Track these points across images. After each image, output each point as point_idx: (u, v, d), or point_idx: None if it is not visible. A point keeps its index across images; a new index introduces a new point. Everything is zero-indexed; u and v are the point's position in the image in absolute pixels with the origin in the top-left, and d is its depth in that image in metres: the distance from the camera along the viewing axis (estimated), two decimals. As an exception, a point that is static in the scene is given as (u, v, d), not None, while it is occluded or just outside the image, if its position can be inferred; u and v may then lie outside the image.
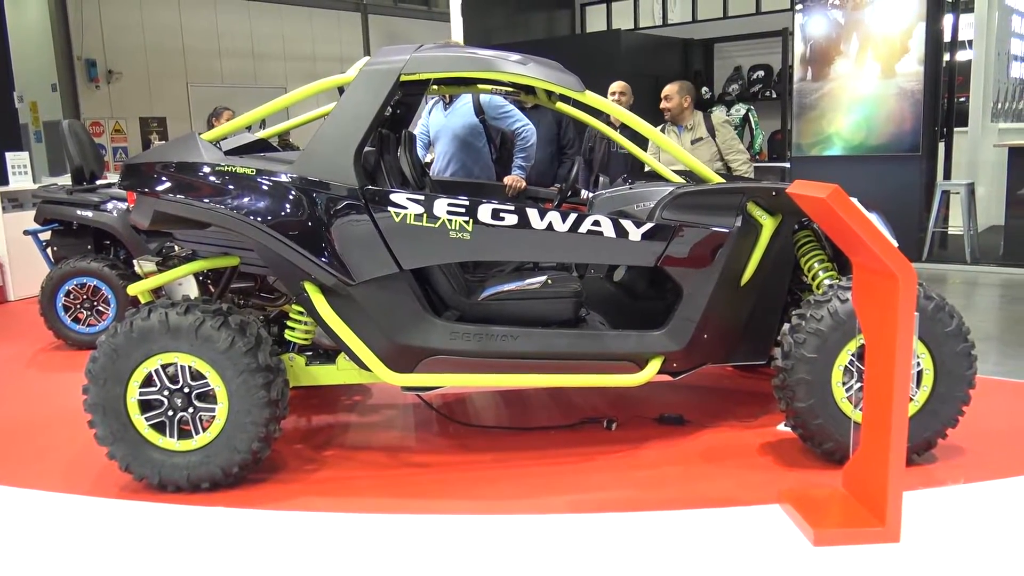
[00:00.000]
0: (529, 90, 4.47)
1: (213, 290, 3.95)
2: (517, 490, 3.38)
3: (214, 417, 3.33)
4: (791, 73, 9.50)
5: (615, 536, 2.95)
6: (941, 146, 9.11)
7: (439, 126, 5.76)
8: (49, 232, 6.27)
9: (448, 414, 4.18)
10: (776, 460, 3.56)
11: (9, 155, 8.73)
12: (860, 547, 2.76)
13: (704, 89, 11.50)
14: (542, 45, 10.99)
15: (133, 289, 3.72)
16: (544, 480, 3.47)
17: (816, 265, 3.82)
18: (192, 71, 16.28)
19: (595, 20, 12.90)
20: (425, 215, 3.34)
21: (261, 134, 4.24)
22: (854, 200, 2.71)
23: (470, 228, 3.35)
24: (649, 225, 3.46)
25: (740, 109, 10.81)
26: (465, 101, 5.63)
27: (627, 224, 3.43)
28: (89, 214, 5.97)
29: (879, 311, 2.79)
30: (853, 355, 3.33)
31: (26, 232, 6.26)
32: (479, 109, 5.57)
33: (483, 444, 3.87)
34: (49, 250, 6.28)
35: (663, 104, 5.91)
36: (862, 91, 8.76)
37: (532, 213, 3.37)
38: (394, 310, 3.41)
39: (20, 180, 8.55)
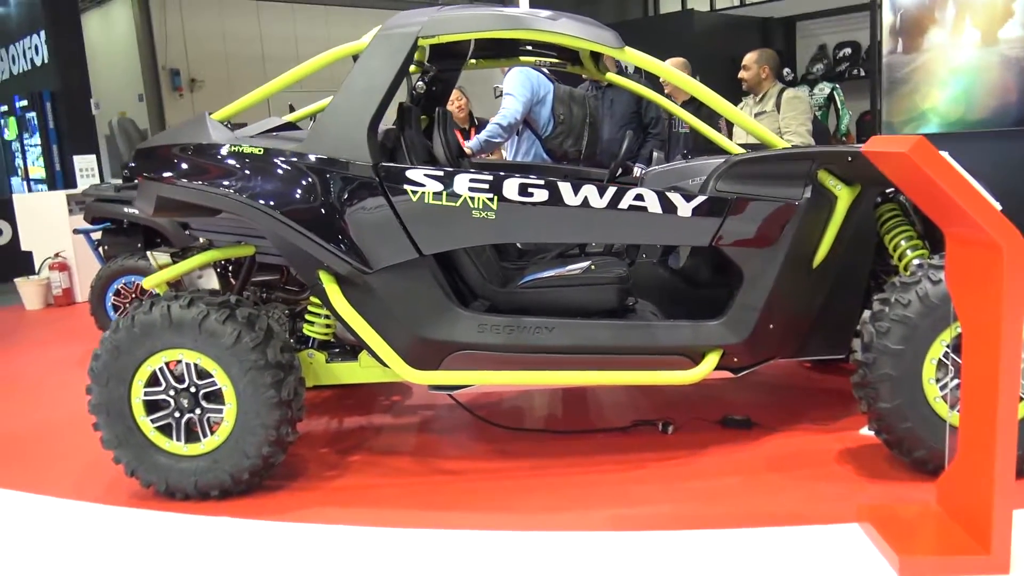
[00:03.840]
0: (574, 59, 4.07)
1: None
2: (555, 502, 2.99)
3: (222, 419, 3.06)
4: (880, 49, 8.79)
5: (662, 558, 2.53)
6: (1052, 120, 8.25)
7: None
8: (100, 231, 6.19)
9: (486, 416, 3.81)
10: (856, 470, 3.07)
11: (77, 159, 8.82)
12: (958, 579, 2.28)
13: (786, 71, 10.81)
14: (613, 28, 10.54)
15: (148, 282, 3.49)
16: (586, 491, 3.07)
17: (903, 243, 3.30)
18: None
19: (669, 1, 12.36)
20: (445, 193, 2.98)
21: (289, 117, 3.97)
22: (944, 155, 2.22)
23: (495, 206, 2.97)
24: (701, 199, 3.01)
25: (824, 88, 10.10)
26: None
27: (676, 198, 3.00)
28: (136, 211, 5.84)
29: (979, 291, 2.29)
30: (948, 346, 2.81)
31: (76, 231, 6.19)
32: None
33: (522, 449, 3.49)
34: (101, 249, 6.19)
35: (742, 74, 5.45)
36: (960, 61, 7.97)
37: (565, 188, 2.96)
38: (415, 300, 3.07)
39: (88, 183, 8.60)
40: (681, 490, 3.02)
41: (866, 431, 3.32)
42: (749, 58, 5.46)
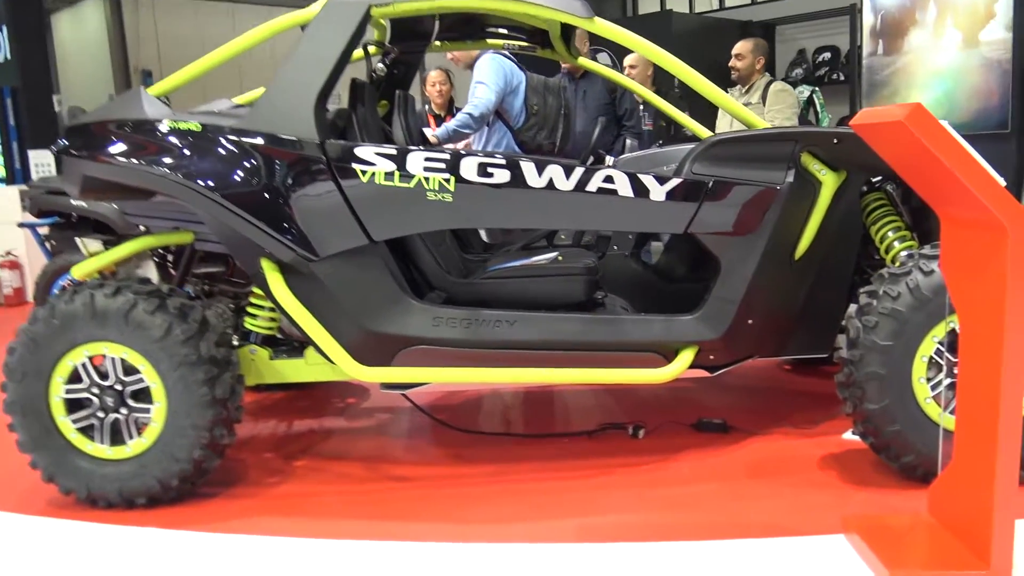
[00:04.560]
0: (544, 42, 3.84)
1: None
2: (516, 511, 2.74)
3: (150, 419, 2.78)
4: (860, 53, 8.67)
5: (632, 572, 2.28)
6: (1033, 123, 8.13)
7: None
8: (49, 226, 5.87)
9: (444, 419, 3.55)
10: (841, 477, 2.84)
11: (32, 153, 8.47)
12: (956, 597, 2.05)
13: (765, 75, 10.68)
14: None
15: (77, 271, 3.21)
16: (551, 499, 2.82)
17: (891, 234, 3.09)
18: (247, 80, 16.16)
19: (647, 1, 12.20)
20: (397, 173, 2.73)
21: (238, 99, 3.71)
22: (945, 124, 2.00)
23: (452, 188, 2.73)
24: (676, 181, 2.78)
25: (804, 91, 9.95)
26: None
27: (648, 181, 2.76)
28: (84, 203, 5.52)
29: (979, 278, 2.08)
30: (941, 343, 2.60)
31: (20, 225, 5.88)
32: None
33: (481, 454, 3.23)
34: (48, 244, 5.88)
35: (734, 63, 5.22)
36: (941, 64, 7.85)
37: (528, 168, 2.73)
38: (365, 291, 2.82)
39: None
40: (653, 498, 2.78)
41: (850, 435, 3.10)
42: (744, 47, 5.23)
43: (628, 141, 4.52)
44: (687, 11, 11.67)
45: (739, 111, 3.02)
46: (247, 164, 2.77)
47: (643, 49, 2.98)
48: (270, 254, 2.81)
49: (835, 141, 2.83)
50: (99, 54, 15.99)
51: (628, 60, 5.69)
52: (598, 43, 5.26)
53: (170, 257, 3.49)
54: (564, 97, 5.08)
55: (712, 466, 3.02)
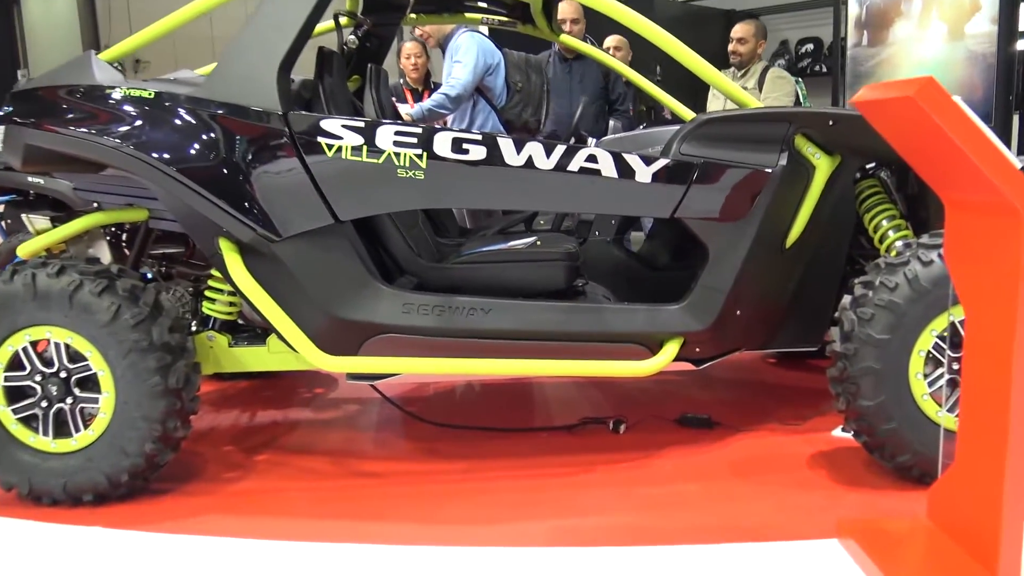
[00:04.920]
0: (524, 16, 3.66)
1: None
2: (489, 511, 2.58)
3: (98, 410, 2.59)
4: (843, 46, 8.56)
5: (608, 580, 2.13)
6: (1016, 117, 8.06)
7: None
8: (4, 204, 5.61)
9: (414, 411, 3.38)
10: (832, 477, 2.70)
11: (-9, 130, 8.16)
12: (960, 608, 1.91)
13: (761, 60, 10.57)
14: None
15: (23, 250, 2.98)
16: (527, 498, 2.66)
17: (885, 223, 2.95)
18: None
19: (629, -10, 12.02)
20: (365, 148, 2.55)
21: (202, 71, 3.49)
22: (957, 100, 1.86)
23: (424, 164, 2.55)
24: (663, 162, 2.62)
25: (786, 82, 9.85)
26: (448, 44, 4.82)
27: (634, 161, 2.60)
28: (40, 180, 5.27)
29: (988, 268, 1.93)
30: (940, 336, 2.46)
31: (-27, 203, 5.60)
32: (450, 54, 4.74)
33: (453, 449, 3.06)
34: (3, 223, 5.61)
35: (735, 47, 5.01)
36: (925, 55, 7.75)
37: (506, 145, 2.55)
38: (330, 274, 2.64)
39: (3, 157, 7.97)
40: (635, 498, 2.63)
41: (840, 432, 2.98)
42: (745, 30, 5.00)
43: (611, 122, 4.35)
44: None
45: (734, 91, 2.86)
46: (203, 135, 2.57)
47: (637, 24, 2.81)
48: (228, 233, 2.62)
49: (831, 123, 2.68)
50: (70, 34, 15.55)
51: (610, 42, 5.50)
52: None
53: (124, 236, 3.29)
54: (546, 74, 4.92)
55: (697, 464, 2.87)
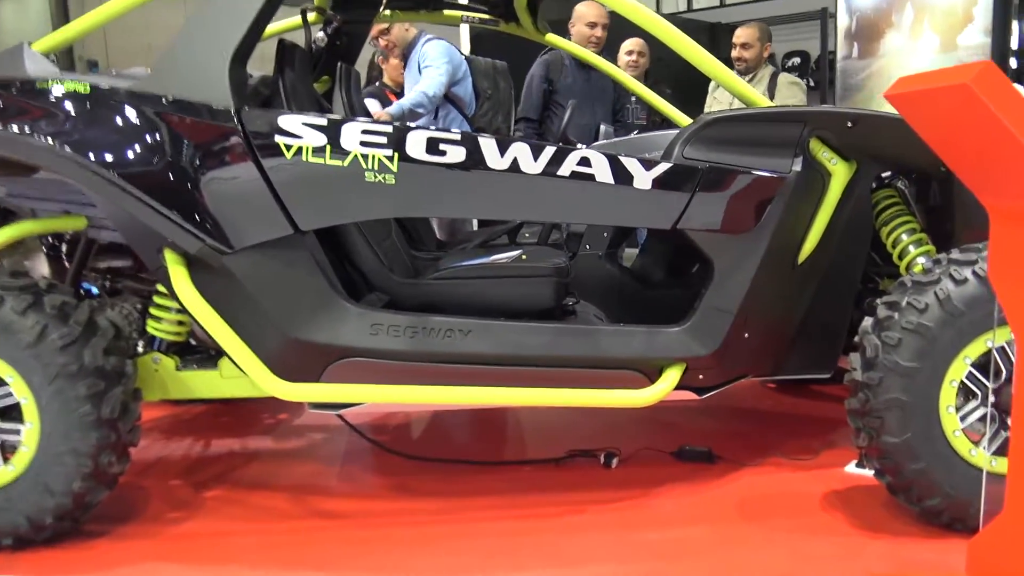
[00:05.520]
0: (508, 14, 3.39)
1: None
2: (465, 560, 2.28)
3: (20, 443, 2.26)
4: (831, 59, 8.40)
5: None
6: (1010, 132, 7.89)
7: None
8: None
9: (385, 443, 3.07)
10: (849, 519, 2.42)
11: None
12: None
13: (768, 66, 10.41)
14: (555, 29, 9.92)
15: (-56, 263, 2.66)
16: (507, 544, 2.36)
17: (905, 237, 2.69)
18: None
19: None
20: (329, 148, 2.25)
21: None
22: (1020, 88, 1.59)
23: (395, 167, 2.26)
24: (665, 167, 2.34)
25: (774, 95, 9.67)
26: (414, 53, 4.54)
27: (632, 165, 2.32)
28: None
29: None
30: (975, 365, 2.19)
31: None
32: (417, 63, 4.47)
33: (428, 485, 2.76)
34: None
35: (740, 52, 4.76)
36: (917, 67, 7.56)
37: (488, 146, 2.27)
38: (288, 290, 2.34)
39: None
40: (630, 544, 2.33)
41: (854, 468, 2.71)
42: (749, 35, 4.73)
43: (603, 128, 4.06)
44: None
45: (743, 89, 2.60)
46: (144, 134, 2.27)
47: (653, 24, 2.55)
48: (173, 245, 2.32)
49: (850, 124, 2.42)
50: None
51: (631, 46, 5.07)
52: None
53: (65, 248, 2.97)
54: (510, 80, 4.66)
55: (698, 504, 2.58)
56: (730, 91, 2.69)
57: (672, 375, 2.45)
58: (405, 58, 4.61)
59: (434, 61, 4.40)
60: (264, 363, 2.32)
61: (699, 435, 3.15)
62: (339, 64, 3.09)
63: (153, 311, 2.62)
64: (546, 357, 2.40)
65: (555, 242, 3.19)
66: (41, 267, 2.94)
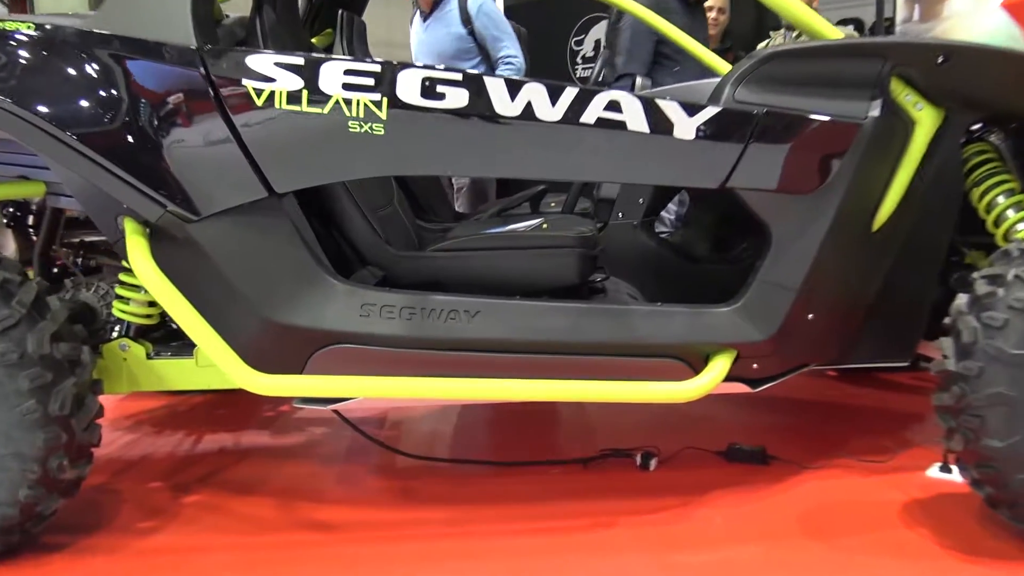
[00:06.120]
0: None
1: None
2: (475, 582, 1.91)
3: (-44, 445, 1.95)
4: (888, 25, 7.81)
5: None
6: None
7: (417, 46, 4.27)
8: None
9: (390, 441, 2.72)
10: (936, 536, 2.01)
11: None
12: None
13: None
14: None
15: None
16: (525, 566, 1.99)
17: (1002, 199, 2.25)
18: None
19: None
20: (306, 93, 1.89)
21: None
22: None
23: (384, 115, 1.88)
24: (712, 111, 1.94)
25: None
26: (449, 7, 4.12)
27: (672, 110, 1.92)
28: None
29: None
30: (1100, 352, 1.76)
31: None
32: (466, 16, 4.03)
33: (435, 490, 2.40)
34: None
35: None
36: (984, 30, 6.98)
37: (496, 87, 1.88)
38: (264, 264, 1.99)
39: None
40: (672, 568, 1.95)
41: (938, 473, 2.30)
42: None
43: (639, 80, 3.60)
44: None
45: (815, 24, 2.17)
46: (94, 80, 1.93)
47: None
48: (132, 212, 1.98)
49: (940, 60, 1.99)
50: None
51: (710, 1, 4.61)
52: None
53: (29, 221, 2.66)
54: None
55: (752, 515, 2.18)
56: (800, 26, 2.26)
57: (720, 364, 2.05)
58: (431, 8, 4.17)
59: (505, 30, 4.04)
60: (236, 351, 1.97)
61: (750, 431, 2.75)
62: (341, 13, 2.73)
63: (119, 291, 2.29)
64: (569, 343, 2.02)
65: (583, 212, 2.79)
66: (6, 242, 2.63)
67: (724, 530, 2.12)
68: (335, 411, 2.47)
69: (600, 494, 2.34)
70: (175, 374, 2.28)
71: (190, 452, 2.81)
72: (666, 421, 2.88)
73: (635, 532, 2.11)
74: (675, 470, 2.47)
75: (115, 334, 2.35)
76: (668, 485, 2.37)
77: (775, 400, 3.11)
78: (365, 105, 1.87)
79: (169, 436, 2.96)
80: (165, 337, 2.39)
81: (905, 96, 2.02)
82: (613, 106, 1.89)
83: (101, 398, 2.13)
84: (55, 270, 2.69)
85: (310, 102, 1.88)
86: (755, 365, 2.12)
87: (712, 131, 1.93)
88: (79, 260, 2.71)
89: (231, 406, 3.24)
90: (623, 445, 2.59)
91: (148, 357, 2.27)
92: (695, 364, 2.06)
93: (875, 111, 1.98)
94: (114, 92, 1.93)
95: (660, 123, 1.91)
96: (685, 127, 1.91)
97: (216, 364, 2.02)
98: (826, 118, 1.97)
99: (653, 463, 2.48)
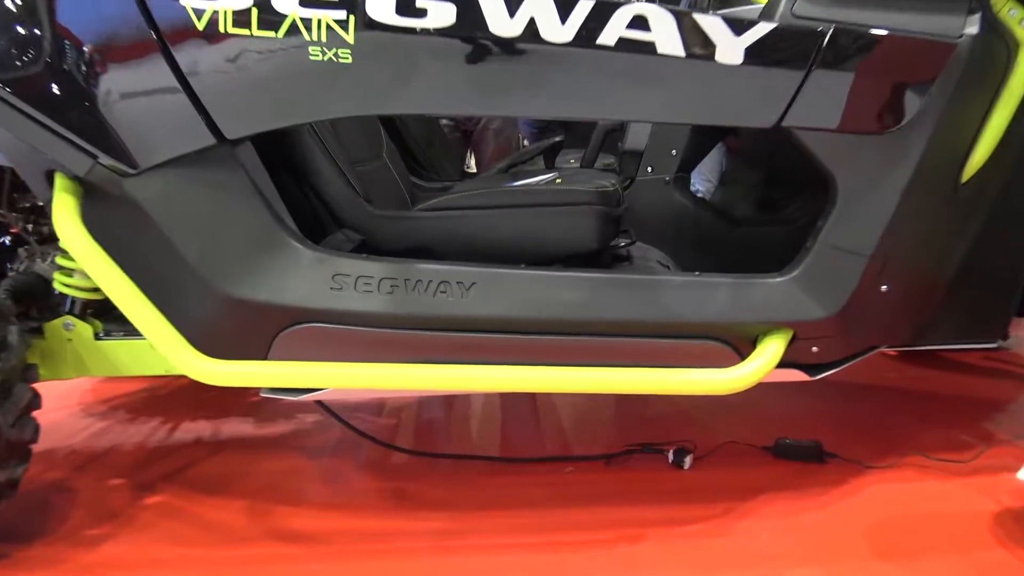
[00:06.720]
0: None
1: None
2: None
3: None
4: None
5: None
6: None
7: None
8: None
9: (381, 435, 2.38)
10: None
11: None
12: None
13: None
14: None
15: None
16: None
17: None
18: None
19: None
20: (255, 12, 1.52)
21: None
22: None
23: (351, 37, 1.51)
24: (766, 29, 1.54)
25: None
26: None
27: (714, 28, 1.53)
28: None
29: None
30: None
31: None
32: None
33: (432, 492, 2.07)
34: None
35: None
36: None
37: (493, 2, 1.50)
38: (215, 227, 1.64)
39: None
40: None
41: (1033, 477, 1.90)
42: None
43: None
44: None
45: None
46: (11, 10, 1.58)
47: None
48: (60, 165, 1.64)
49: (1056, -36, 1.58)
50: None
51: None
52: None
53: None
54: None
55: (807, 528, 1.82)
56: None
57: (773, 347, 1.67)
58: None
59: None
60: (184, 332, 1.64)
61: (801, 423, 2.38)
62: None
63: (60, 260, 1.98)
64: (585, 322, 1.66)
65: (606, 167, 2.41)
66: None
67: (772, 546, 1.76)
68: (318, 402, 2.14)
69: (624, 499, 1.99)
70: (128, 358, 1.97)
71: (162, 443, 2.50)
72: (703, 411, 2.51)
73: (665, 547, 1.76)
74: (714, 469, 2.11)
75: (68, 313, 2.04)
76: (706, 487, 2.02)
77: (826, 385, 2.72)
78: (328, 26, 1.50)
79: (143, 424, 2.65)
80: (121, 316, 2.07)
81: (1009, 11, 1.62)
82: (639, 23, 1.50)
83: (86, 383, 1.82)
84: (7, 239, 2.39)
85: (261, 24, 1.52)
86: (815, 348, 1.74)
87: (765, 54, 1.54)
88: (29, 227, 2.40)
89: (219, 389, 2.92)
90: (652, 439, 2.23)
91: (96, 338, 1.96)
92: (741, 347, 1.69)
93: (972, 28, 1.58)
94: (28, 21, 1.59)
95: (699, 44, 1.52)
96: (730, 49, 1.52)
97: (157, 347, 1.70)
98: (909, 36, 1.57)
99: (688, 460, 2.12)
